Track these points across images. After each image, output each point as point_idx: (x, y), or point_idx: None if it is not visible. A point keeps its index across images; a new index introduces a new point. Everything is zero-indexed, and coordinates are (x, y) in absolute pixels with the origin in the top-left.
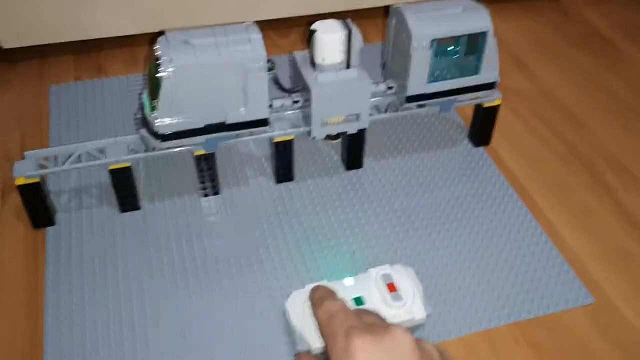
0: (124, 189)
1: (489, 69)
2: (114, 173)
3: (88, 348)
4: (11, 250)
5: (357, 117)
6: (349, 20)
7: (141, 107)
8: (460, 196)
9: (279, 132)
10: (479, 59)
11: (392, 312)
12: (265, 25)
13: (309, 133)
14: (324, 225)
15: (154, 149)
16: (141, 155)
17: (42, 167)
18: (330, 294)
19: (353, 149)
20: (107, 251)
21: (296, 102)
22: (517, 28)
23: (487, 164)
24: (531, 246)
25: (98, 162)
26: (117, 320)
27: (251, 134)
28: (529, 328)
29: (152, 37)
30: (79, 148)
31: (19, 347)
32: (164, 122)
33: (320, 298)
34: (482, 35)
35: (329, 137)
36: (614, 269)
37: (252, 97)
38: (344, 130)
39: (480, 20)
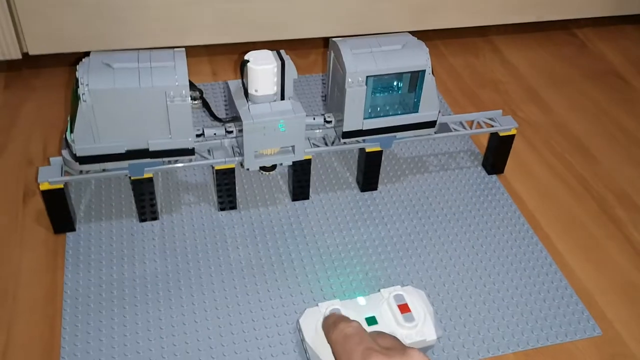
0: (145, 199)
1: (428, 107)
2: (136, 183)
3: (104, 352)
4: (31, 254)
5: (293, 149)
6: (282, 52)
7: (66, 128)
8: (473, 222)
9: (216, 161)
10: (417, 96)
11: (404, 332)
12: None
13: (242, 164)
14: (338, 244)
15: (82, 172)
16: (162, 167)
17: (67, 173)
18: (344, 318)
19: (369, 172)
20: (125, 259)
21: (230, 132)
22: (533, 60)
23: (500, 192)
24: (541, 276)
25: (121, 172)
26: (133, 327)
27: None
28: (537, 357)
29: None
30: None
31: (36, 349)
32: (81, 145)
33: (335, 321)
34: (420, 73)
35: (264, 168)
36: (622, 302)
37: (175, 126)
38: (279, 162)
39: (417, 58)
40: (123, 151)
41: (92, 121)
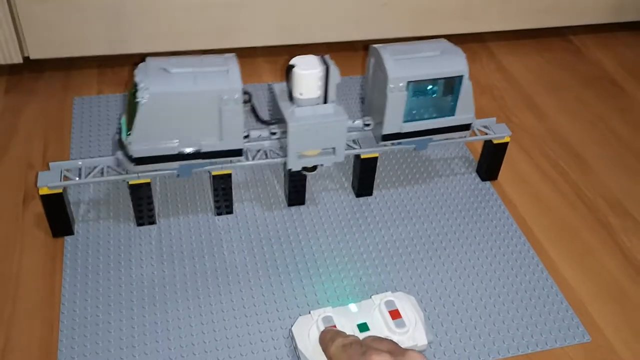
0: (142, 203)
1: (464, 111)
2: (134, 188)
3: (101, 356)
4: (30, 257)
5: (334, 150)
6: (327, 57)
7: (119, 130)
8: (466, 229)
9: (264, 161)
10: (454, 100)
11: (396, 338)
12: (283, 50)
13: (285, 164)
14: (333, 250)
15: (127, 172)
16: (161, 172)
17: (66, 178)
18: (342, 333)
19: (364, 177)
20: (122, 262)
21: (273, 133)
22: (529, 66)
23: (493, 199)
24: (532, 282)
25: (120, 176)
26: (129, 330)
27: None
28: None
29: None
30: (101, 162)
31: (35, 352)
32: (138, 146)
33: (332, 337)
34: (458, 78)
35: (305, 169)
36: (612, 309)
37: (227, 128)
38: (320, 163)
39: (456, 64)
40: (176, 152)
41: (150, 123)
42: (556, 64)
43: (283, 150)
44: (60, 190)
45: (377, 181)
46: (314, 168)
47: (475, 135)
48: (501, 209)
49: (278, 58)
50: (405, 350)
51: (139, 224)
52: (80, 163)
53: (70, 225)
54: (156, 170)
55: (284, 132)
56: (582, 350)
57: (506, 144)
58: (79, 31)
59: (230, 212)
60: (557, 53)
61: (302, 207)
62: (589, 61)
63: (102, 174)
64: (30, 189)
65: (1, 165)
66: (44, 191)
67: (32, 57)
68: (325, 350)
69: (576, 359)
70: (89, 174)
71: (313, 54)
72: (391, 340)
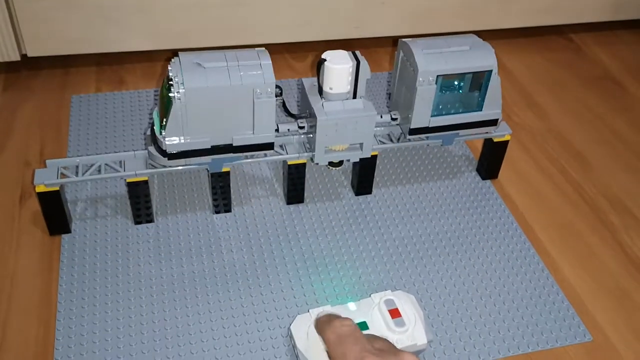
0: (140, 201)
1: (492, 106)
2: (132, 186)
3: (97, 355)
4: (27, 255)
5: (361, 146)
6: (357, 52)
7: (151, 124)
8: (466, 227)
9: (291, 156)
10: (482, 95)
11: (395, 337)
12: (282, 48)
13: (312, 159)
14: (332, 248)
15: (163, 166)
16: (160, 170)
17: (63, 176)
18: (338, 316)
19: (363, 176)
20: (119, 261)
21: (302, 127)
22: (529, 64)
23: (494, 198)
24: (533, 281)
25: (117, 174)
26: (126, 329)
27: (254, 156)
28: None
29: (171, 54)
30: (98, 159)
31: (30, 350)
32: (172, 141)
33: (328, 319)
34: (487, 73)
35: (332, 163)
36: (613, 308)
37: (260, 121)
38: (347, 158)
39: (485, 59)
40: (209, 147)
41: (184, 118)
42: (557, 62)
43: (311, 144)
44: (57, 188)
45: (376, 180)
46: (340, 163)
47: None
48: (501, 207)
49: (278, 56)
50: (399, 351)
51: (137, 222)
52: (77, 161)
53: (67, 223)
54: (188, 165)
55: (312, 126)
56: (583, 349)
57: (507, 142)
58: (77, 29)
59: (228, 210)
60: (558, 51)
61: (301, 206)
62: (589, 60)
63: (99, 171)
64: (27, 186)
65: None
66: (40, 189)
67: (29, 54)
68: (321, 332)
69: (577, 359)
70: (86, 171)
71: (313, 52)
72: (386, 340)
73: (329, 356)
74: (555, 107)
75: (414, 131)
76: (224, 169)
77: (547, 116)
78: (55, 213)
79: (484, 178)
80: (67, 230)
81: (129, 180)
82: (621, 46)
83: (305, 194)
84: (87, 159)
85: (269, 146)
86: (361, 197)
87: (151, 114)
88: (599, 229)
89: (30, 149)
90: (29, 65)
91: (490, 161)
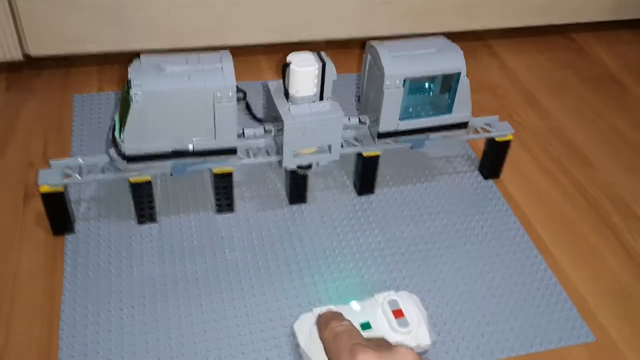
0: (143, 201)
1: (462, 109)
2: (135, 186)
3: (101, 355)
4: (31, 255)
5: (329, 148)
6: (323, 53)
7: (112, 127)
8: (468, 227)
9: (257, 160)
10: (452, 98)
11: (399, 337)
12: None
13: (280, 163)
14: (335, 248)
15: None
16: (155, 171)
17: (67, 176)
18: (337, 316)
19: (366, 175)
20: (123, 261)
21: (269, 131)
22: (530, 64)
23: (496, 197)
24: (535, 281)
25: (121, 174)
26: (130, 329)
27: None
28: None
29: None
30: (102, 160)
31: (35, 350)
32: (131, 144)
33: (326, 320)
34: (456, 75)
35: (301, 167)
36: (616, 308)
37: (221, 126)
38: (316, 161)
39: (454, 61)
40: (169, 151)
41: (142, 122)
42: (558, 62)
43: (278, 148)
44: (61, 189)
45: (378, 179)
46: (309, 166)
47: (478, 133)
48: (504, 207)
49: (279, 55)
50: (394, 345)
51: (140, 222)
52: (81, 161)
53: (71, 223)
54: (149, 169)
55: (280, 130)
56: (587, 350)
57: (509, 142)
58: (79, 28)
59: (231, 210)
60: (559, 51)
61: (303, 205)
62: (591, 59)
63: (103, 172)
64: (31, 186)
65: (1, 162)
66: (44, 189)
67: (32, 54)
68: (319, 333)
69: (580, 359)
70: (90, 172)
71: (314, 52)
72: (382, 338)
73: (327, 356)
74: (557, 107)
75: (383, 135)
76: (227, 169)
77: (549, 115)
78: (59, 213)
79: (486, 177)
80: (71, 230)
81: (132, 180)
82: (622, 46)
83: (308, 194)
84: (90, 159)
85: (232, 151)
86: (364, 197)
87: (113, 115)
88: (601, 228)
89: (33, 149)
90: (31, 64)
91: (492, 161)
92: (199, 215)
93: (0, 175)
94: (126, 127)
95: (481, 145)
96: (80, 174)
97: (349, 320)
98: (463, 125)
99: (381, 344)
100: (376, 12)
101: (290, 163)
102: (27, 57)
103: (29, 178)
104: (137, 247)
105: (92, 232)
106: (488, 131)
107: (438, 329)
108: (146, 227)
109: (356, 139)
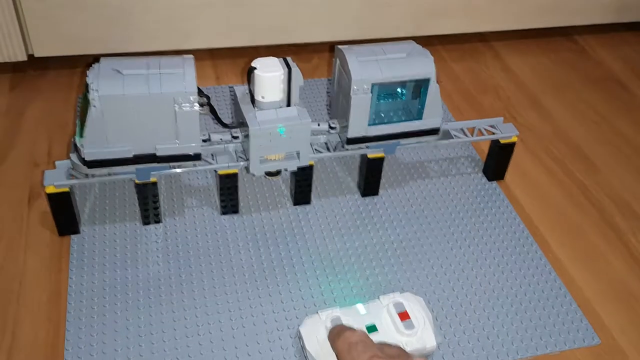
0: (148, 202)
1: (432, 115)
2: (140, 187)
3: (107, 355)
4: (36, 256)
5: (297, 154)
6: (289, 59)
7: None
8: (473, 229)
9: (220, 165)
10: (422, 104)
11: (404, 339)
12: (287, 50)
13: (247, 169)
14: (339, 249)
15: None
16: (167, 171)
17: (72, 177)
18: (349, 327)
19: (370, 177)
20: (128, 261)
21: (236, 137)
22: (534, 65)
23: (500, 199)
24: (540, 283)
25: (126, 176)
26: (135, 330)
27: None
28: None
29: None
30: None
31: (41, 351)
32: (90, 149)
33: (339, 331)
34: (425, 82)
35: (269, 173)
36: (621, 310)
37: (183, 131)
38: (284, 167)
39: (423, 67)
40: (131, 156)
41: (102, 126)
42: (561, 63)
43: (246, 154)
44: (67, 189)
45: (383, 181)
46: (277, 173)
47: (482, 135)
48: (508, 209)
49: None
50: (410, 356)
51: (145, 223)
52: None
53: (76, 224)
54: (111, 175)
55: (247, 136)
56: (591, 352)
57: (513, 144)
58: (84, 29)
59: (236, 211)
60: (562, 53)
61: (307, 207)
62: (593, 61)
63: (108, 173)
64: (36, 187)
65: (6, 163)
66: (50, 190)
67: (36, 54)
68: (332, 344)
69: None
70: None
71: (314, 53)
72: (398, 346)
73: None
74: (560, 109)
75: (352, 140)
76: (232, 171)
77: (552, 117)
78: (64, 214)
79: (490, 179)
80: (76, 230)
81: (137, 181)
82: (625, 48)
83: (312, 196)
84: None
85: (196, 157)
86: (368, 198)
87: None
88: (605, 230)
89: (38, 149)
90: (36, 65)
91: (496, 163)
92: (204, 216)
93: (6, 175)
94: (85, 132)
95: (485, 147)
96: (85, 174)
97: (363, 330)
98: (434, 131)
99: (396, 356)
100: (379, 14)
101: (258, 170)
102: (31, 57)
103: (34, 178)
104: (142, 247)
105: (98, 233)
106: (493, 133)
107: (443, 331)
108: (151, 228)
109: (327, 145)
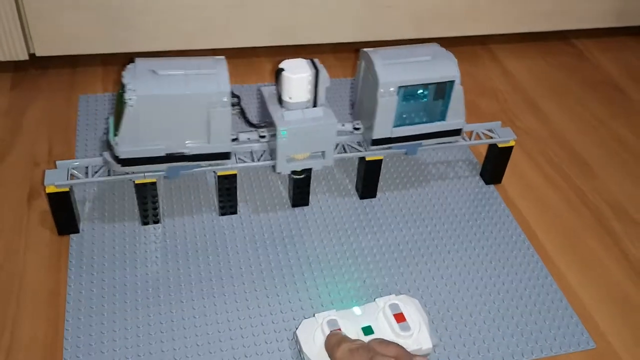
0: (147, 202)
1: (455, 116)
2: (139, 187)
3: (106, 355)
4: (35, 255)
5: (323, 154)
6: (316, 60)
7: (107, 130)
8: (470, 232)
9: (240, 165)
10: (445, 105)
11: (400, 341)
12: (288, 51)
13: (273, 167)
14: (337, 251)
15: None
16: (148, 173)
17: (73, 177)
18: (347, 337)
19: (368, 179)
20: (127, 261)
21: (263, 136)
22: (532, 69)
23: (497, 203)
24: (536, 287)
25: (126, 176)
26: (134, 329)
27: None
28: None
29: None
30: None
31: (39, 350)
32: (125, 148)
33: (338, 341)
34: (449, 83)
35: (294, 172)
36: (616, 315)
37: (215, 131)
38: (310, 166)
39: (447, 69)
40: (163, 154)
41: (136, 125)
42: (559, 67)
43: (272, 153)
44: (67, 189)
45: (380, 183)
46: (303, 171)
47: (480, 138)
48: (505, 212)
49: (281, 58)
50: (412, 355)
51: (144, 223)
52: (87, 161)
53: (76, 223)
54: (143, 172)
55: (273, 136)
56: (587, 356)
57: (511, 147)
58: (85, 29)
59: (234, 212)
60: (561, 57)
61: (306, 209)
62: (592, 65)
63: (108, 173)
64: (36, 186)
65: (6, 162)
66: (50, 189)
67: (37, 54)
68: (331, 354)
69: None
70: (96, 172)
71: (317, 54)
72: (397, 344)
73: None
74: (558, 113)
75: (377, 142)
76: (231, 172)
77: (550, 121)
78: (64, 213)
79: (487, 183)
80: (76, 230)
81: (137, 181)
82: (624, 52)
83: (310, 197)
84: (96, 160)
85: (225, 156)
86: (366, 201)
87: (107, 118)
88: (601, 235)
89: (39, 149)
90: (37, 64)
91: (494, 166)
92: (202, 217)
93: (6, 174)
94: (120, 131)
95: (483, 151)
96: (85, 174)
97: (362, 340)
98: (456, 132)
99: (398, 356)
100: (380, 16)
101: (284, 168)
102: (32, 56)
103: (34, 177)
104: (141, 247)
105: (97, 233)
106: (490, 137)
107: (439, 334)
108: (150, 228)
109: (359, 144)
